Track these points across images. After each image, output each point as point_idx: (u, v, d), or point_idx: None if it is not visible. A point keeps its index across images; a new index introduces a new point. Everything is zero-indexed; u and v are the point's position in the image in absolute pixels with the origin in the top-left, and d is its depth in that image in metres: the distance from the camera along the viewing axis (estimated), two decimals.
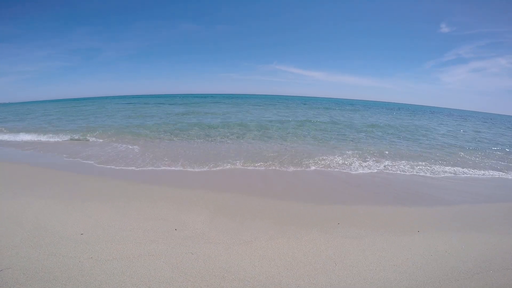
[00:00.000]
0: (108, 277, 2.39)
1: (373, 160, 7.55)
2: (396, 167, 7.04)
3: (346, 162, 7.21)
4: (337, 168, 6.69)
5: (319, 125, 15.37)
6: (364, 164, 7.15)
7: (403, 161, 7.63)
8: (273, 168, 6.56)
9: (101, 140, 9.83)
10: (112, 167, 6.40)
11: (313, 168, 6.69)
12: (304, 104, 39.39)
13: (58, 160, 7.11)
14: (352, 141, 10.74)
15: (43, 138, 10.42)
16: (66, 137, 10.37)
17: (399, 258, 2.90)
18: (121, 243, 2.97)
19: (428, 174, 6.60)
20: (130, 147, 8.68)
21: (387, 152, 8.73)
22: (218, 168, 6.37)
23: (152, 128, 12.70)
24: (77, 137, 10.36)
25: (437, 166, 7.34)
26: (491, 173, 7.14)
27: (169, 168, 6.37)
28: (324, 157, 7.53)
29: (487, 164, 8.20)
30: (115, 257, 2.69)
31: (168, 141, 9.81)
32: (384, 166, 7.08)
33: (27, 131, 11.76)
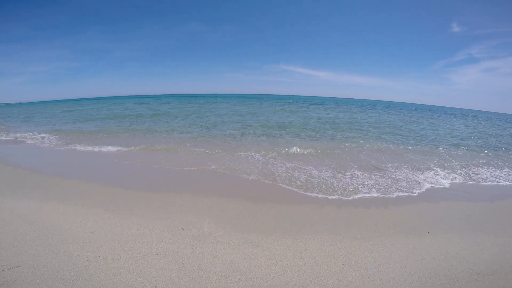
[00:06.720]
0: (115, 276, 2.40)
1: None
2: None
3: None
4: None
5: None
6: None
7: None
8: None
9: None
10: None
11: None
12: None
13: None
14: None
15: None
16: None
17: (408, 259, 2.84)
18: (128, 242, 2.98)
19: None
20: None
21: None
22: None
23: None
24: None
25: None
26: None
27: None
28: None
29: None
30: (123, 256, 2.70)
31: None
32: None
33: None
